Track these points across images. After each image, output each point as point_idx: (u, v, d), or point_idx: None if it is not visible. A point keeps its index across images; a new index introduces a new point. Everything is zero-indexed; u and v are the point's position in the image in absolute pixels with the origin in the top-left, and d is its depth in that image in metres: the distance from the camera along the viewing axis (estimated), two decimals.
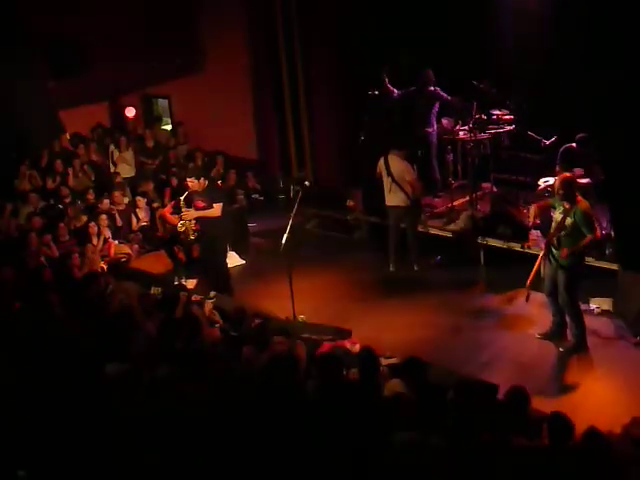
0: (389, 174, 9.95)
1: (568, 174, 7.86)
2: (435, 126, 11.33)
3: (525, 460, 4.99)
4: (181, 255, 10.95)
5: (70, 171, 12.39)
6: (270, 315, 8.60)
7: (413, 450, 4.86)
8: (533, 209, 8.20)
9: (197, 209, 9.55)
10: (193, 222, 9.59)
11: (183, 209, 9.58)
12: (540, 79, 10.28)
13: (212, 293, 9.35)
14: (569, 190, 7.59)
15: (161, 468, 4.75)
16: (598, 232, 7.85)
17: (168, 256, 10.87)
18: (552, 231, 7.77)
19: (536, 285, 8.05)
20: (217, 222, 9.56)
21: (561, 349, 8.05)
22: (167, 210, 10.83)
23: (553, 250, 7.80)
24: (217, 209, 9.52)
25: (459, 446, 4.87)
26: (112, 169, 12.98)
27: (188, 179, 9.71)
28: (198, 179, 9.64)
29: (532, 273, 7.90)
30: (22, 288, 8.26)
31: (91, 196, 11.83)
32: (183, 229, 9.67)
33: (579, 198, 7.63)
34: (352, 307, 9.36)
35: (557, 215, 7.74)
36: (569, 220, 7.57)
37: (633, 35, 9.28)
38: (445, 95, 11.16)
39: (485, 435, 5.13)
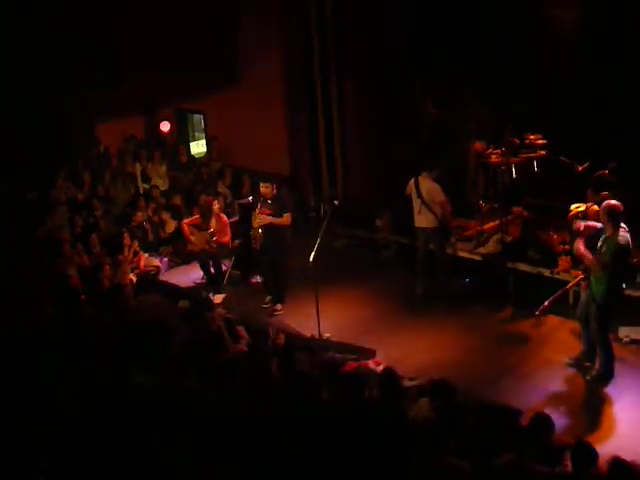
0: (419, 195, 9.94)
1: (612, 202, 7.71)
2: (471, 149, 11.34)
3: None
4: (211, 269, 11.01)
5: (107, 181, 12.64)
6: (295, 332, 8.64)
7: (435, 473, 4.84)
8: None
9: (265, 216, 9.75)
10: (261, 230, 9.78)
11: (257, 215, 9.80)
12: (572, 103, 10.24)
13: (267, 298, 9.95)
14: (611, 218, 7.51)
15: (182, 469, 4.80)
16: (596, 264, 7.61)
17: (201, 269, 10.94)
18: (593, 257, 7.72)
19: (558, 309, 7.99)
20: (283, 230, 9.72)
21: (588, 377, 7.97)
22: (187, 222, 11.01)
23: (590, 278, 7.72)
24: (287, 218, 9.75)
25: (480, 469, 4.84)
26: (140, 183, 13.13)
27: (262, 184, 9.87)
28: (272, 184, 9.79)
29: (553, 297, 7.85)
30: (54, 295, 8.40)
31: (142, 203, 12.04)
32: (254, 236, 9.87)
33: (621, 228, 7.54)
34: (378, 327, 9.35)
35: (600, 242, 7.69)
36: (604, 248, 7.53)
37: None
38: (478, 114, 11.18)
39: (506, 460, 5.10)
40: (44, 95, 11.62)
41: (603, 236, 7.61)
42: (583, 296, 7.95)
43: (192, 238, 10.84)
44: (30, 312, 7.65)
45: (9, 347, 6.48)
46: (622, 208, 7.53)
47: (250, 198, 11.72)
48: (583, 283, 7.91)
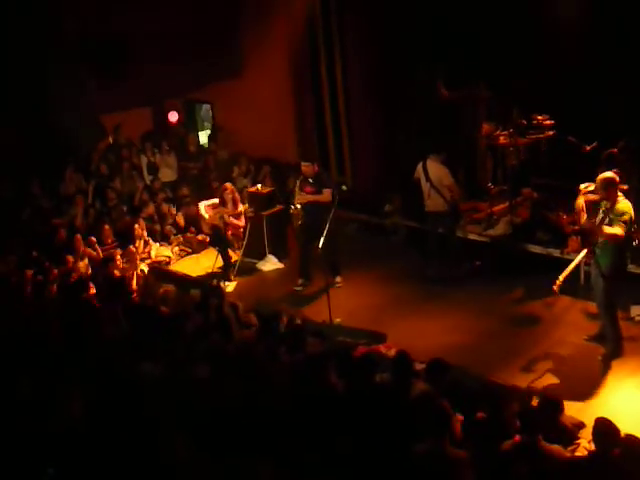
0: (427, 179, 9.92)
1: (608, 174, 7.73)
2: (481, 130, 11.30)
3: (556, 466, 4.96)
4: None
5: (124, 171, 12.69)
6: (306, 318, 8.67)
7: (432, 461, 4.83)
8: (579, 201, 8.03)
9: (306, 194, 9.86)
10: (300, 206, 9.94)
11: (297, 193, 9.97)
12: (580, 83, 10.18)
13: (300, 281, 10.07)
14: (609, 189, 7.51)
15: (194, 464, 4.82)
16: (622, 232, 7.56)
17: (221, 256, 10.98)
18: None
19: (569, 290, 7.98)
20: (325, 207, 9.72)
21: (599, 357, 7.95)
22: (205, 203, 11.14)
23: (596, 250, 7.71)
24: (327, 194, 9.81)
25: (487, 453, 4.85)
26: (145, 175, 13.12)
27: (302, 163, 10.07)
28: (313, 163, 9.94)
29: (566, 273, 7.81)
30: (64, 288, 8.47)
31: (145, 196, 12.12)
32: (295, 213, 10.05)
33: (619, 198, 7.54)
34: (388, 311, 9.35)
35: (599, 215, 7.68)
36: (607, 220, 7.51)
37: None
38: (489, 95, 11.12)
39: (514, 441, 5.11)
40: (49, 89, 11.66)
41: (603, 209, 7.61)
42: (593, 274, 7.91)
43: (206, 216, 11.01)
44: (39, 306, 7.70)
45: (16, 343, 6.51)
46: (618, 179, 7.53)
47: (259, 186, 11.82)
48: (589, 256, 7.85)
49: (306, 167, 9.94)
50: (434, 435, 4.83)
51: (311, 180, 9.93)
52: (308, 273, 10.21)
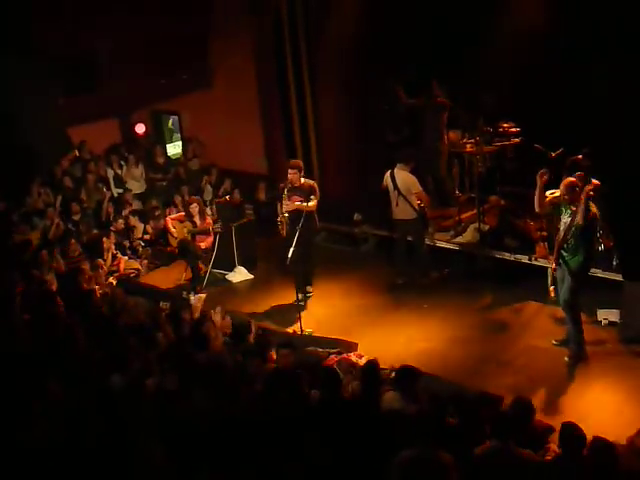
0: (395, 187, 9.98)
1: (571, 178, 7.89)
2: (445, 138, 11.35)
3: (527, 471, 4.99)
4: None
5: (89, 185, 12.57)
6: (276, 329, 8.67)
7: (419, 467, 4.83)
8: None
9: (293, 203, 9.76)
10: (287, 215, 9.79)
11: (284, 201, 9.82)
12: (545, 90, 10.29)
13: (300, 295, 9.66)
14: (573, 193, 7.67)
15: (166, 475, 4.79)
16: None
17: (190, 268, 10.94)
18: (561, 235, 7.82)
19: (537, 295, 8.12)
20: (310, 215, 9.70)
21: (566, 359, 8.04)
22: (172, 217, 11.12)
23: (564, 254, 7.83)
24: (314, 204, 9.73)
25: (462, 459, 4.86)
26: (112, 188, 13.03)
27: (289, 170, 9.86)
28: (299, 170, 9.82)
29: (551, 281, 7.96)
30: (31, 301, 8.37)
31: (111, 209, 12.08)
32: (283, 221, 9.87)
33: (584, 200, 7.69)
34: (359, 320, 9.38)
35: (565, 219, 7.82)
36: (576, 221, 7.64)
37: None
38: (449, 103, 11.17)
39: (489, 447, 5.14)
40: (18, 101, 11.55)
41: (569, 212, 7.74)
42: (559, 275, 8.01)
43: (173, 231, 11.00)
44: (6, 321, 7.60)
45: None
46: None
47: (227, 197, 11.80)
48: (553, 265, 7.96)
49: (292, 174, 9.78)
50: (421, 442, 4.81)
51: (297, 187, 9.80)
52: (311, 279, 10.16)
